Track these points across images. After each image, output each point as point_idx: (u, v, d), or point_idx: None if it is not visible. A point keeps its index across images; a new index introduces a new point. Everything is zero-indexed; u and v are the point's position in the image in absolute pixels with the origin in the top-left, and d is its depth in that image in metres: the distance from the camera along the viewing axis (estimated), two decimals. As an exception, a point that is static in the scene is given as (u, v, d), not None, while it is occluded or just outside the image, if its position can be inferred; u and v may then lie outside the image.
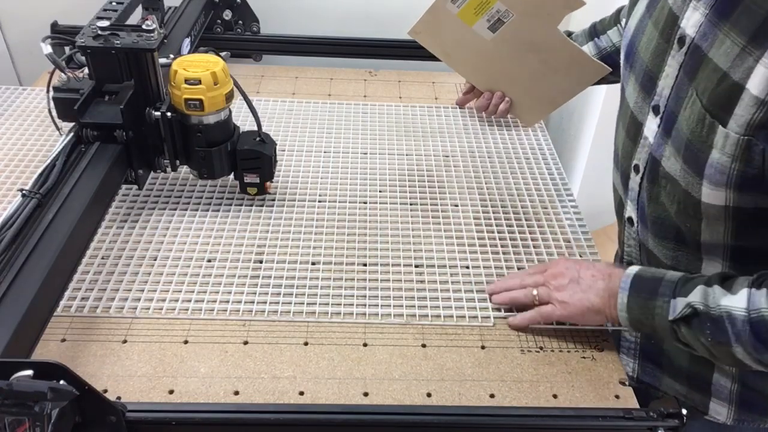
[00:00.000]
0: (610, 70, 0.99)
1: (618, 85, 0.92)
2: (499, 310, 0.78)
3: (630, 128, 0.75)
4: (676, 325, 0.63)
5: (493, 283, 0.80)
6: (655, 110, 0.69)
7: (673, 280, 0.65)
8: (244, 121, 0.99)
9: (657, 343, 0.77)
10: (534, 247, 0.87)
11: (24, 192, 0.70)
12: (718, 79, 0.59)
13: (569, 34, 1.05)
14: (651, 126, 0.70)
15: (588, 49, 1.01)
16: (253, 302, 0.77)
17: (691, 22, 0.64)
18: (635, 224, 0.76)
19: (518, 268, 0.84)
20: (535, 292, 0.74)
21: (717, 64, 0.59)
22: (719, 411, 0.75)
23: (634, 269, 0.68)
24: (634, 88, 0.74)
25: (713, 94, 0.60)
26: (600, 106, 1.41)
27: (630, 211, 0.77)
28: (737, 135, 0.58)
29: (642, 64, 0.72)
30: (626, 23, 0.80)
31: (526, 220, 0.92)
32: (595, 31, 1.01)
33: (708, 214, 0.65)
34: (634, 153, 0.74)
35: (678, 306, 0.63)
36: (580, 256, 0.86)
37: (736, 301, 0.60)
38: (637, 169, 0.73)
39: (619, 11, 0.98)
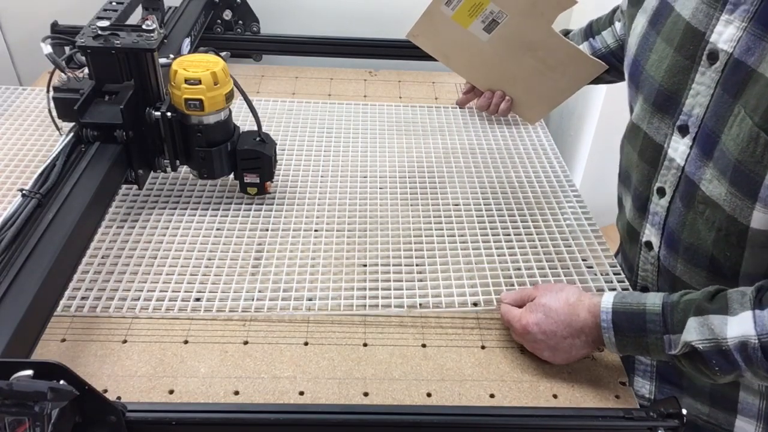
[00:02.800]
0: (606, 66, 0.98)
1: (619, 86, 0.92)
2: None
3: (645, 151, 0.72)
4: (675, 358, 0.61)
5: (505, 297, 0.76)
6: (682, 130, 0.67)
7: (656, 310, 0.62)
8: (244, 121, 0.99)
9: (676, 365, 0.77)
10: (540, 241, 0.87)
11: (24, 192, 0.70)
12: None
13: (567, 32, 1.05)
14: (678, 147, 0.68)
15: (583, 48, 1.01)
16: (252, 301, 0.77)
17: (725, 36, 0.61)
18: (655, 249, 0.74)
19: (524, 266, 0.83)
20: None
21: None
22: (746, 429, 0.73)
23: (608, 303, 0.65)
24: (644, 109, 0.72)
25: None
26: (600, 107, 1.41)
27: (649, 235, 0.74)
28: None
29: (653, 84, 0.70)
30: (626, 36, 0.78)
31: (530, 215, 0.92)
32: (590, 31, 1.01)
33: (753, 242, 0.62)
34: (655, 176, 0.71)
35: (674, 343, 0.60)
36: (583, 260, 0.85)
37: (744, 328, 0.56)
38: (661, 192, 0.71)
39: (614, 11, 0.97)
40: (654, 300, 0.63)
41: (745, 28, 0.60)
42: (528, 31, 1.00)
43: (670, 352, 0.61)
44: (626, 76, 0.77)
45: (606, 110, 1.40)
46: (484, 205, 0.94)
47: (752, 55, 0.59)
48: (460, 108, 1.19)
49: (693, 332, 0.59)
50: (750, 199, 0.60)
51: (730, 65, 0.61)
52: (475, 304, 0.77)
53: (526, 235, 0.89)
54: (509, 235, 0.89)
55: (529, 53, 1.03)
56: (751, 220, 0.61)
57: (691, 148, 0.66)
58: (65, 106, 0.79)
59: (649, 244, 0.75)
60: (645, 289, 0.79)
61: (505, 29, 1.00)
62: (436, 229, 0.89)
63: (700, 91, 0.65)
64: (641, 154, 0.73)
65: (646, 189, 0.73)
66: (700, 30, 0.64)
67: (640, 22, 0.73)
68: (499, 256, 0.85)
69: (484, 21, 1.00)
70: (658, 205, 0.72)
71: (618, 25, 0.95)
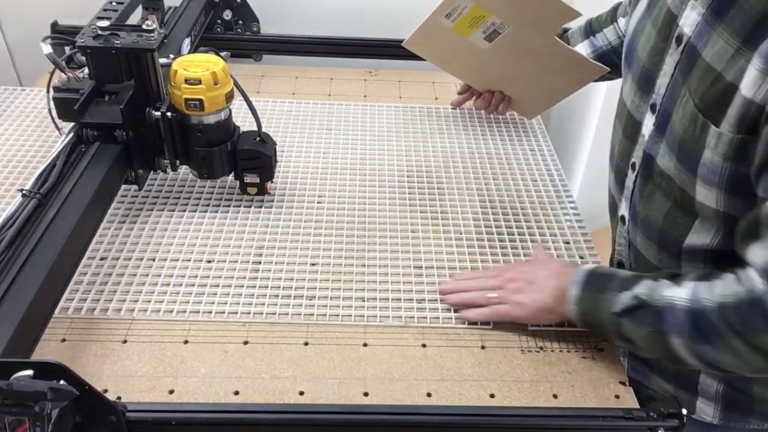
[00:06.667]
0: (608, 70, 0.98)
1: (618, 85, 0.92)
2: (449, 309, 0.77)
3: (627, 127, 0.75)
4: (621, 317, 0.64)
5: (446, 282, 0.80)
6: (653, 108, 0.70)
7: (625, 276, 0.67)
8: (244, 121, 0.99)
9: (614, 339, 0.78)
10: (533, 248, 0.87)
11: (24, 192, 0.70)
12: (712, 80, 0.59)
13: (565, 30, 1.05)
14: (649, 124, 0.70)
15: (583, 47, 1.00)
16: (252, 303, 0.77)
17: (689, 21, 0.64)
18: (626, 223, 0.77)
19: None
20: (491, 294, 0.75)
21: (710, 65, 0.59)
22: (706, 411, 0.76)
23: (590, 265, 0.71)
24: (631, 87, 0.74)
25: (706, 94, 0.60)
26: (600, 106, 1.41)
27: (623, 209, 0.77)
28: (731, 134, 0.58)
29: (639, 63, 0.72)
30: (626, 23, 0.80)
31: (525, 221, 0.92)
32: (590, 29, 1.01)
33: (703, 213, 0.65)
34: (632, 151, 0.74)
35: (624, 299, 0.64)
36: (580, 258, 0.86)
37: (680, 292, 0.61)
38: (633, 167, 0.74)
39: (615, 9, 0.97)
40: (629, 272, 0.68)
41: (703, 14, 0.62)
42: (529, 41, 0.99)
43: (615, 310, 0.64)
44: (622, 56, 0.79)
45: (606, 110, 1.40)
46: (481, 208, 0.94)
47: (701, 39, 0.61)
48: (453, 108, 1.18)
49: (642, 287, 0.64)
50: (692, 175, 0.63)
51: (687, 49, 0.64)
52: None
53: (521, 242, 0.88)
54: (504, 241, 0.88)
55: (531, 59, 1.02)
56: (696, 193, 0.64)
57: (654, 125, 0.69)
58: (65, 106, 0.79)
59: (623, 219, 0.78)
60: (620, 264, 0.81)
61: (506, 39, 0.99)
62: (434, 231, 0.89)
63: (666, 72, 0.67)
64: (624, 131, 0.76)
65: (625, 165, 0.76)
66: (675, 14, 0.66)
67: (641, 6, 0.75)
68: (492, 255, 0.85)
69: (485, 32, 0.99)
70: (630, 180, 0.75)
71: (622, 21, 0.95)
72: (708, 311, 0.59)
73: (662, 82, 0.68)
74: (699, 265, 0.68)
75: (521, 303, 0.72)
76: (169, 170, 0.87)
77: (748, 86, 0.55)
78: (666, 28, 0.67)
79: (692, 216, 0.66)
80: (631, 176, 0.74)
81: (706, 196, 0.63)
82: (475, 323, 0.76)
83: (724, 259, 0.65)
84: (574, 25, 1.06)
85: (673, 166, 0.66)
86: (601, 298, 0.66)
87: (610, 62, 0.98)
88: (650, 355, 0.66)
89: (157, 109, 0.81)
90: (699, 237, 0.67)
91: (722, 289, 0.59)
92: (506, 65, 1.05)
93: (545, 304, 0.71)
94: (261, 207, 0.92)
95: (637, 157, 0.73)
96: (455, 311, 0.77)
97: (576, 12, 0.94)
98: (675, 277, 0.64)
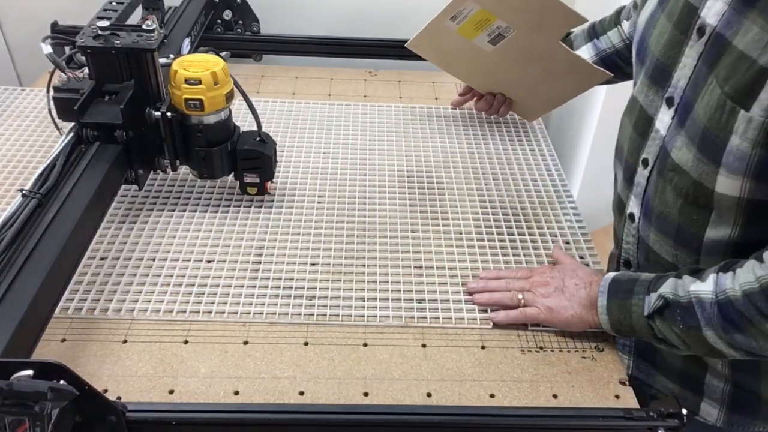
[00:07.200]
0: (612, 75, 0.98)
1: (619, 86, 0.92)
2: (481, 309, 0.78)
3: (638, 122, 0.75)
4: (652, 319, 0.65)
5: (474, 281, 0.80)
6: (669, 102, 0.69)
7: (648, 278, 0.68)
8: (244, 121, 0.99)
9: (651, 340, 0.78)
10: (533, 248, 0.87)
11: (24, 192, 0.70)
12: (746, 67, 0.59)
13: (568, 33, 1.05)
14: (664, 118, 0.70)
15: (587, 49, 1.00)
16: (252, 303, 0.77)
17: (713, 11, 0.63)
18: (636, 220, 0.76)
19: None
20: (520, 296, 0.76)
21: (743, 52, 0.59)
22: (710, 412, 0.76)
23: (611, 273, 0.72)
24: (644, 83, 0.74)
25: (738, 80, 0.59)
26: (600, 106, 1.41)
27: (632, 206, 0.77)
28: (762, 119, 0.57)
29: (652, 58, 0.72)
30: (636, 20, 0.80)
31: (525, 221, 0.92)
32: (594, 32, 1.01)
33: (720, 204, 0.65)
34: (644, 147, 0.73)
35: (652, 300, 0.65)
36: (580, 258, 0.86)
37: (704, 286, 0.63)
38: (645, 162, 0.73)
39: (619, 12, 0.97)
40: (650, 274, 0.69)
41: (730, 3, 0.62)
42: (534, 45, 0.99)
43: (648, 311, 0.66)
44: (633, 53, 0.79)
45: (606, 110, 1.40)
46: (481, 208, 0.94)
47: (731, 28, 0.61)
48: (453, 109, 1.18)
49: (667, 286, 0.65)
50: (714, 164, 0.63)
51: (712, 39, 0.63)
52: (474, 319, 0.77)
53: (521, 242, 0.88)
54: (504, 241, 0.88)
55: (535, 63, 1.02)
56: (716, 184, 0.63)
57: (673, 118, 0.69)
58: (65, 106, 0.79)
59: (632, 216, 0.77)
60: (627, 263, 0.81)
61: (511, 42, 0.99)
62: (434, 231, 0.89)
63: (687, 64, 0.67)
64: (635, 126, 0.76)
65: (635, 161, 0.75)
66: (695, 5, 0.66)
67: (652, 2, 0.75)
68: (492, 255, 0.85)
69: (490, 35, 0.99)
70: (641, 176, 0.74)
71: (626, 24, 0.95)
72: (734, 300, 0.60)
73: (682, 74, 0.67)
74: (719, 260, 0.67)
75: (550, 308, 0.74)
76: (169, 170, 0.87)
77: None
78: (685, 20, 0.67)
79: (707, 210, 0.66)
80: (642, 172, 0.74)
81: (728, 185, 0.63)
82: (475, 321, 0.76)
83: (746, 252, 0.65)
84: (578, 28, 1.06)
85: (692, 158, 0.65)
86: (629, 303, 0.67)
87: (613, 65, 0.98)
88: (690, 352, 0.66)
89: (157, 109, 0.81)
90: (718, 230, 0.66)
91: (744, 276, 0.60)
92: (510, 68, 1.05)
93: (576, 313, 0.72)
94: (261, 207, 0.92)
95: (649, 153, 0.72)
96: (483, 311, 0.77)
97: (582, 17, 0.94)
98: (697, 272, 0.65)
